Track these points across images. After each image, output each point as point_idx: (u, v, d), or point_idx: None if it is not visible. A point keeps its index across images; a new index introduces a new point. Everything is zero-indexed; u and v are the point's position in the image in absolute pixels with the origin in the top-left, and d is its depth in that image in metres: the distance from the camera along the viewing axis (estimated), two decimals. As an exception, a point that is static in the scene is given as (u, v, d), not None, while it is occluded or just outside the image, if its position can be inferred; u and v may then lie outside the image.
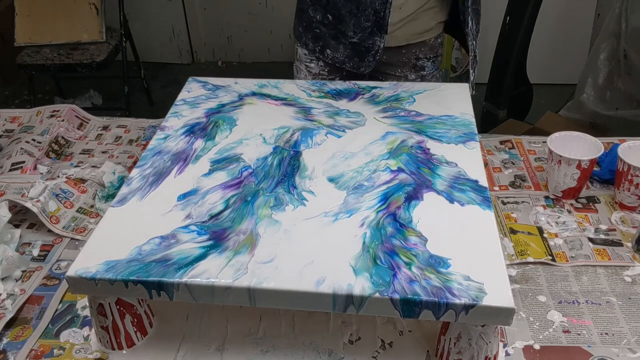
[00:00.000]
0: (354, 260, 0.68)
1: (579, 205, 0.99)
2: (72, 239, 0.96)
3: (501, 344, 0.76)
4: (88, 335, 0.79)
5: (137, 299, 0.74)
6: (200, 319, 0.80)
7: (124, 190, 0.80)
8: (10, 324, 0.81)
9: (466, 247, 0.69)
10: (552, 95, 2.69)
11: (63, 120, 1.23)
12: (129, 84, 2.58)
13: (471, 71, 1.32)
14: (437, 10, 1.30)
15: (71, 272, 0.68)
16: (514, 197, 1.02)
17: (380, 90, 1.03)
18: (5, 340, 0.79)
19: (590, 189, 1.03)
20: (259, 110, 0.98)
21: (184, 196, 0.79)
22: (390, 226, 0.72)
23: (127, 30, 2.59)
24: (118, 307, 0.73)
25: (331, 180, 0.81)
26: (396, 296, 0.63)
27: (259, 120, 0.95)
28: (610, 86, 2.13)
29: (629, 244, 0.91)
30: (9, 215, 0.94)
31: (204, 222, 0.74)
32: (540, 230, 0.94)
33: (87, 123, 1.28)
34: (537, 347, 0.76)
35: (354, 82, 1.07)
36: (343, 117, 0.96)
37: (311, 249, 0.69)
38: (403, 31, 1.29)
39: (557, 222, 0.96)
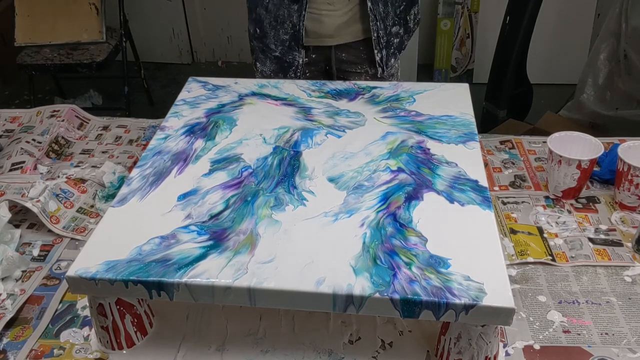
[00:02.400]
0: (354, 260, 0.68)
1: (579, 205, 0.99)
2: (72, 239, 0.96)
3: (501, 344, 0.76)
4: (88, 335, 0.79)
5: (137, 299, 0.74)
6: (200, 319, 0.80)
7: (124, 190, 0.80)
8: (10, 324, 0.81)
9: (466, 247, 0.69)
10: (552, 95, 2.69)
11: (63, 120, 1.23)
12: (129, 84, 2.58)
13: (375, 51, 1.32)
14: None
15: (71, 272, 0.68)
16: (514, 197, 1.02)
17: (380, 90, 1.03)
18: (5, 340, 0.79)
19: (590, 189, 1.03)
20: (259, 110, 0.98)
21: (184, 196, 0.79)
22: (390, 226, 0.72)
23: (127, 30, 2.59)
24: (118, 307, 0.73)
25: (331, 180, 0.81)
26: (396, 296, 0.63)
27: (259, 120, 0.95)
28: (610, 86, 2.13)
29: (629, 244, 0.91)
30: (9, 215, 0.94)
31: (204, 222, 0.74)
32: (540, 230, 0.94)
33: (87, 123, 1.28)
34: (537, 347, 0.76)
35: (353, 82, 1.07)
36: (343, 117, 0.96)
37: (311, 249, 0.69)
38: (349, 30, 1.31)
39: (557, 222, 0.96)
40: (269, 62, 1.35)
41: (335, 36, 1.32)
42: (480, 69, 2.89)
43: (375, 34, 1.29)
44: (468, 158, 0.85)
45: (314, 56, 1.35)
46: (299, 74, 1.33)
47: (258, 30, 1.33)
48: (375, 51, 1.31)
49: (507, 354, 0.76)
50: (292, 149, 0.88)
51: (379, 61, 1.32)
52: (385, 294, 0.63)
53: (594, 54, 2.17)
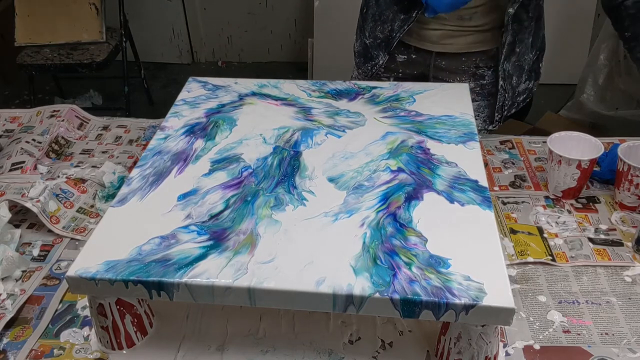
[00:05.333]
0: (354, 260, 0.68)
1: (579, 205, 0.99)
2: (72, 239, 0.96)
3: (501, 344, 0.76)
4: (88, 335, 0.79)
5: (137, 299, 0.74)
6: (200, 319, 0.80)
7: (124, 190, 0.80)
8: (10, 324, 0.81)
9: (466, 247, 0.69)
10: (552, 95, 2.69)
11: (63, 120, 1.23)
12: (129, 84, 2.58)
13: (497, 115, 1.28)
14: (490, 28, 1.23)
15: (71, 272, 0.68)
16: (514, 197, 1.02)
17: (380, 90, 1.03)
18: (5, 340, 0.79)
19: (590, 189, 1.03)
20: (259, 110, 0.98)
21: (184, 196, 0.79)
22: (390, 226, 0.72)
23: (127, 30, 2.59)
24: (118, 307, 0.73)
25: (331, 180, 0.81)
26: (396, 296, 0.63)
27: (259, 120, 0.95)
28: (610, 86, 2.13)
29: (629, 244, 0.91)
30: (9, 215, 0.94)
31: (204, 222, 0.74)
32: (540, 230, 0.94)
33: (87, 123, 1.28)
34: (537, 347, 0.76)
35: (354, 82, 1.07)
36: (343, 117, 0.96)
37: (311, 249, 0.69)
38: (459, 40, 1.24)
39: (557, 222, 0.96)
40: (359, 42, 1.32)
41: (438, 44, 1.25)
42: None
43: (501, 102, 1.25)
44: (468, 158, 0.85)
45: (414, 57, 1.28)
46: (375, 71, 1.29)
47: (365, 9, 1.29)
48: (497, 115, 1.28)
49: (507, 354, 0.76)
50: (292, 149, 0.88)
51: (497, 119, 1.29)
52: (385, 294, 0.63)
53: (594, 54, 2.17)
